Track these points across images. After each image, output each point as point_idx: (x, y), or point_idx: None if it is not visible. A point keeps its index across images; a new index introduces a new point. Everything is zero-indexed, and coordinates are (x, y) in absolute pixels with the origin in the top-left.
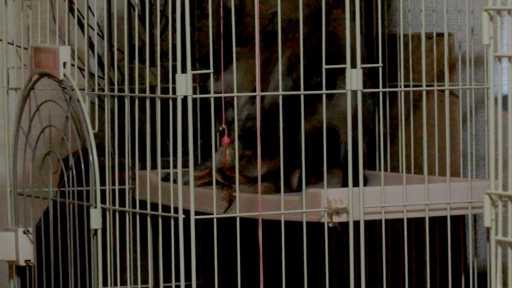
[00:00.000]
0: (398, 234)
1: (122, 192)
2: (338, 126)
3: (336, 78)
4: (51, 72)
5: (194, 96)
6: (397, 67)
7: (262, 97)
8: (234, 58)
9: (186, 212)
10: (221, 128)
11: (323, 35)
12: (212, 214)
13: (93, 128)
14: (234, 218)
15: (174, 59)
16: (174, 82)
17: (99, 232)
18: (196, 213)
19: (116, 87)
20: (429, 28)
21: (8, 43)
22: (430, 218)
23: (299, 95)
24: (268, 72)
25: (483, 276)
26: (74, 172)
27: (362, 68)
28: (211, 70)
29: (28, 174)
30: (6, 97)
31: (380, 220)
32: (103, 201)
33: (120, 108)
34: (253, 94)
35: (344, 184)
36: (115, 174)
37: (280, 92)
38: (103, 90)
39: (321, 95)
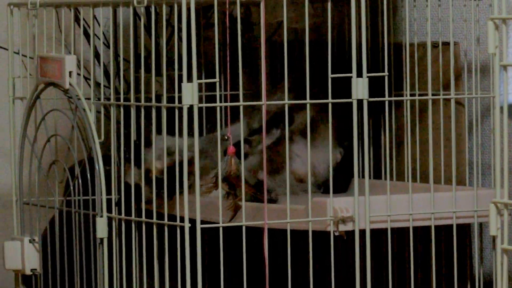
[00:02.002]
0: (404, 242)
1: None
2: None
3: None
4: (57, 81)
5: (200, 105)
6: (403, 76)
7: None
8: (240, 66)
9: (192, 221)
10: (226, 137)
11: (329, 43)
12: (218, 223)
13: (99, 137)
14: (240, 227)
15: (180, 69)
16: (180, 91)
17: (105, 241)
18: (202, 222)
19: (122, 96)
20: (435, 37)
21: (14, 52)
22: (436, 227)
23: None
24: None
25: (489, 285)
26: (80, 181)
27: (368, 77)
28: (217, 79)
29: (34, 183)
30: (12, 107)
31: (386, 229)
32: (109, 210)
33: (126, 118)
34: (259, 103)
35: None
36: (121, 183)
37: (286, 101)
38: (109, 99)
39: None
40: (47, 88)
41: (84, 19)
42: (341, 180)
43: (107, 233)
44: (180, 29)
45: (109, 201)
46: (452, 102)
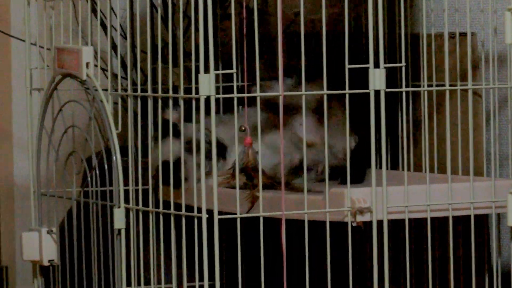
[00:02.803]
0: (421, 233)
1: (145, 192)
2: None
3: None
4: (74, 72)
5: (217, 96)
6: (420, 67)
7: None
8: (257, 56)
9: (209, 212)
10: (243, 128)
11: (346, 34)
12: (235, 214)
13: (116, 128)
14: (258, 218)
15: (197, 59)
16: (197, 82)
17: (123, 232)
18: (220, 213)
19: (139, 87)
20: (452, 28)
21: (31, 44)
22: (454, 218)
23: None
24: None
25: (507, 276)
26: (97, 172)
27: (385, 67)
28: (234, 70)
29: (52, 174)
30: (29, 98)
31: (404, 220)
32: (126, 201)
33: (143, 108)
34: (276, 94)
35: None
36: (138, 174)
37: (303, 92)
38: (126, 90)
39: None
40: (64, 79)
41: (101, 10)
42: (357, 170)
43: (125, 224)
44: (197, 20)
45: (126, 192)
46: (470, 92)
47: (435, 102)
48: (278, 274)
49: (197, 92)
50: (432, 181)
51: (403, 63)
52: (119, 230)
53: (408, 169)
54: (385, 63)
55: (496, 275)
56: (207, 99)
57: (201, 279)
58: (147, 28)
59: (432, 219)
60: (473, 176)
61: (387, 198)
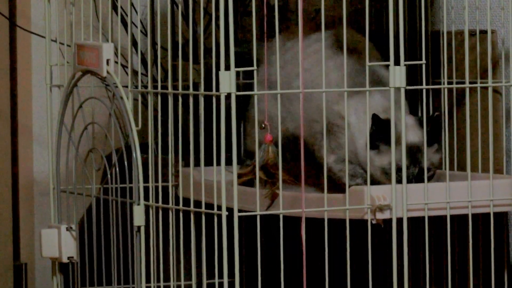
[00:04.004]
0: (441, 231)
1: (165, 189)
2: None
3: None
4: (94, 69)
5: (238, 93)
6: (441, 64)
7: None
8: (277, 53)
9: (229, 210)
10: (263, 125)
11: (367, 32)
12: (255, 211)
13: (136, 125)
14: (277, 215)
15: (218, 57)
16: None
17: (142, 229)
18: (239, 211)
19: (159, 84)
20: (472, 25)
21: (52, 40)
22: (473, 215)
23: None
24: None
25: None
26: (117, 169)
27: (405, 65)
28: (255, 67)
29: (71, 171)
30: (50, 94)
31: (423, 217)
32: (146, 198)
33: (163, 105)
34: (296, 91)
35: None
36: (158, 171)
37: (324, 90)
38: (146, 87)
39: None
40: (85, 76)
41: (121, 7)
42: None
43: (144, 221)
44: (217, 17)
45: (146, 189)
46: (490, 90)
47: (455, 99)
48: (297, 272)
49: (217, 90)
50: (452, 178)
51: (424, 61)
52: (139, 227)
53: None
54: (405, 60)
55: None
56: (228, 96)
57: (221, 276)
58: (167, 24)
59: (452, 216)
60: (492, 174)
61: (407, 195)
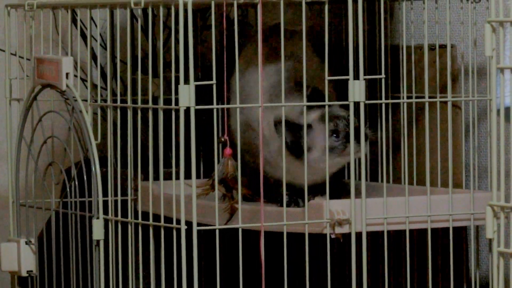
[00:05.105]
0: (400, 245)
1: (124, 203)
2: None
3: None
4: (53, 82)
5: (197, 107)
6: (400, 79)
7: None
8: (236, 69)
9: (188, 224)
10: (223, 139)
11: (326, 45)
12: (214, 225)
13: (96, 139)
14: (236, 229)
15: (177, 70)
16: (176, 93)
17: (102, 243)
18: (198, 225)
19: (118, 98)
20: (432, 40)
21: (11, 53)
22: (432, 230)
23: None
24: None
25: None
26: (76, 182)
27: (364, 79)
28: (214, 81)
29: (31, 184)
30: (9, 108)
31: (382, 232)
32: (105, 212)
33: (122, 119)
34: (256, 105)
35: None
36: (117, 185)
37: (283, 104)
38: (105, 101)
39: None
40: (44, 90)
41: (81, 21)
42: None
43: (104, 235)
44: (177, 31)
45: (105, 203)
46: (449, 104)
47: (414, 114)
48: (257, 285)
49: (176, 103)
50: (411, 193)
51: (383, 75)
52: (98, 241)
53: (387, 181)
54: (365, 74)
55: (475, 287)
56: (187, 110)
57: None
58: (127, 38)
59: (411, 231)
60: (452, 188)
61: (366, 209)
